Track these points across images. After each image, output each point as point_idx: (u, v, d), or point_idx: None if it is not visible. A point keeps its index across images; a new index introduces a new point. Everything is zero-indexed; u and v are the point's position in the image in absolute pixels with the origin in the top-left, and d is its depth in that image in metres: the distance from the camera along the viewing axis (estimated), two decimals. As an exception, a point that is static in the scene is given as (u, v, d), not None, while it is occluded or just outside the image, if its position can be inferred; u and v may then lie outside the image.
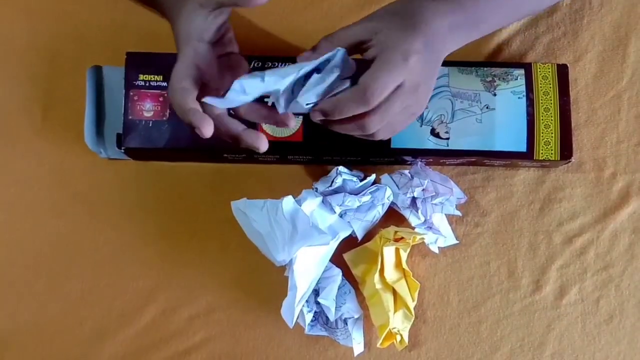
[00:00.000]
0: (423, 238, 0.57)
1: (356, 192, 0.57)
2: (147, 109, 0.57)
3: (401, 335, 0.56)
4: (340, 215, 0.57)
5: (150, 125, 0.56)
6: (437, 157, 0.58)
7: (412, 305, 0.56)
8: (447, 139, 0.58)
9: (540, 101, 0.58)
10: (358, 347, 0.57)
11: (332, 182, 0.56)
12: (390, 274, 0.56)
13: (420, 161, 0.60)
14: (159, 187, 0.61)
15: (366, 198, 0.57)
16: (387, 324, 0.55)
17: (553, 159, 0.58)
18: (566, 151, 0.58)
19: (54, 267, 0.59)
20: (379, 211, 0.58)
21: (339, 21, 0.60)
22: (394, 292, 0.57)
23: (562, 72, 0.59)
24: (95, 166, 0.60)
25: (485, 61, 0.62)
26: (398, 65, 0.46)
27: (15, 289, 0.59)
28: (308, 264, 0.54)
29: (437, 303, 0.59)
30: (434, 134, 0.58)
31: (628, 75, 0.63)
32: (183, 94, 0.46)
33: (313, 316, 0.57)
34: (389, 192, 0.57)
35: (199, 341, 0.59)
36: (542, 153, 0.58)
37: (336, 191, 0.57)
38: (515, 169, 0.61)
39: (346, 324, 0.57)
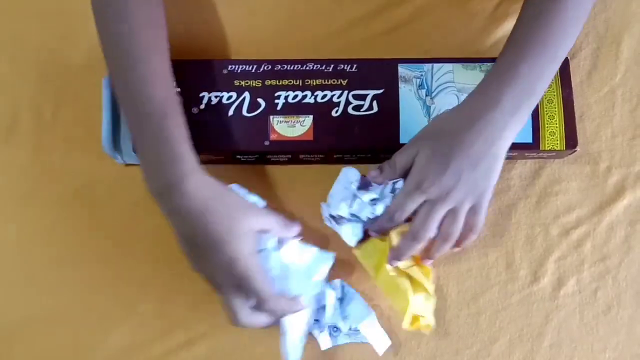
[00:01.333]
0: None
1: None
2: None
3: (425, 318, 0.57)
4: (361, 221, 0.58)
5: None
6: None
7: (430, 287, 0.57)
8: None
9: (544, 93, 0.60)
10: (380, 345, 0.58)
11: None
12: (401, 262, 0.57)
13: None
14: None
15: (373, 195, 0.56)
16: (408, 304, 0.56)
17: (559, 148, 0.59)
18: (571, 140, 0.59)
19: (63, 259, 0.60)
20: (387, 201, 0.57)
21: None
22: (410, 278, 0.57)
23: (564, 65, 0.60)
24: (102, 161, 0.61)
25: (488, 57, 0.63)
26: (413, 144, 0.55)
27: (25, 280, 0.60)
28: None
29: (436, 294, 0.60)
30: None
31: (621, 72, 0.65)
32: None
33: (329, 330, 0.58)
34: (399, 184, 0.56)
35: (202, 331, 0.59)
36: (547, 143, 0.59)
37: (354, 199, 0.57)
38: (512, 162, 0.63)
39: (358, 331, 0.58)
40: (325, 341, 0.57)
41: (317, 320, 0.57)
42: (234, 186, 0.54)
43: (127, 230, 0.61)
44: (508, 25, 0.65)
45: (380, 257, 0.58)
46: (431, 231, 0.54)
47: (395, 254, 0.55)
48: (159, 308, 0.60)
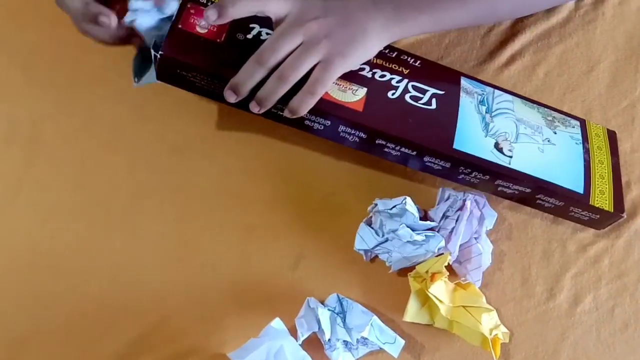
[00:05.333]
0: (449, 259, 0.57)
1: (412, 228, 0.56)
2: (202, 25, 0.53)
3: (499, 329, 0.56)
4: (386, 240, 0.58)
5: (201, 40, 0.52)
6: (497, 173, 0.55)
7: (485, 302, 0.56)
8: (510, 157, 0.55)
9: (595, 154, 0.58)
10: (394, 347, 0.56)
11: (394, 206, 0.56)
12: (451, 300, 0.56)
13: (482, 197, 0.59)
14: (173, 192, 0.62)
15: (419, 237, 0.56)
16: (484, 337, 0.55)
17: (607, 209, 0.56)
18: (619, 205, 0.57)
19: (73, 269, 0.60)
20: (422, 256, 0.57)
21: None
22: (465, 307, 0.56)
23: (612, 137, 0.60)
24: (113, 172, 0.61)
25: (547, 105, 0.61)
26: None
27: (36, 290, 0.60)
28: None
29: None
30: (498, 148, 0.56)
31: (641, 85, 0.64)
32: None
33: (345, 346, 0.57)
34: (442, 243, 0.56)
35: (208, 342, 0.59)
36: (597, 200, 0.56)
37: (392, 216, 0.57)
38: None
39: (366, 340, 0.57)
40: (343, 358, 0.57)
41: (329, 341, 0.56)
42: None
43: (141, 239, 0.61)
44: (517, 41, 0.65)
45: (430, 308, 0.58)
46: (299, 72, 0.50)
47: (262, 96, 0.51)
48: (168, 317, 0.59)
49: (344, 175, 0.62)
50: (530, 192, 0.56)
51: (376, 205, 0.57)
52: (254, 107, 0.52)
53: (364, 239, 0.58)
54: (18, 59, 0.64)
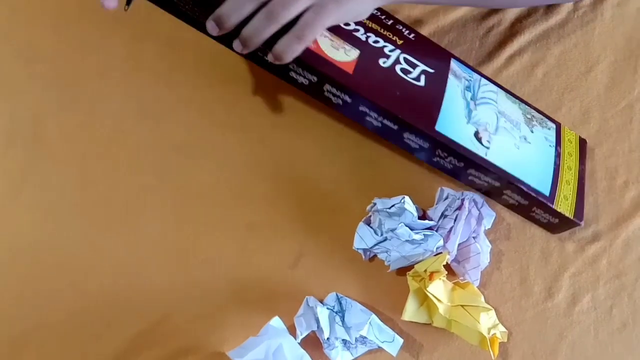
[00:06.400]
0: (448, 258, 0.57)
1: (411, 227, 0.57)
2: None
3: (498, 328, 0.56)
4: (385, 239, 0.58)
5: None
6: (472, 162, 0.55)
7: (483, 302, 0.56)
8: (488, 148, 0.56)
9: (565, 159, 0.59)
10: (392, 346, 0.57)
11: (393, 205, 0.56)
12: (450, 300, 0.56)
13: (481, 197, 0.59)
14: (174, 190, 0.62)
15: (418, 237, 0.56)
16: (483, 336, 0.55)
17: (568, 214, 0.57)
18: (579, 213, 0.58)
19: (76, 266, 0.60)
20: (421, 255, 0.57)
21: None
22: (463, 306, 0.57)
23: (582, 145, 0.61)
24: (115, 170, 0.62)
25: (527, 102, 0.62)
26: None
27: (37, 286, 0.60)
28: None
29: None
30: (477, 137, 0.56)
31: (640, 86, 0.64)
32: None
33: (343, 344, 0.57)
34: (440, 243, 0.57)
35: (208, 341, 0.59)
36: (560, 204, 0.57)
37: (391, 215, 0.57)
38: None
39: (365, 339, 0.57)
40: (342, 357, 0.57)
41: (328, 339, 0.56)
42: None
43: (143, 237, 0.61)
44: (516, 41, 0.65)
45: (429, 307, 0.58)
46: (290, 11, 0.46)
47: (246, 35, 0.47)
48: (170, 315, 0.60)
49: (344, 174, 0.62)
50: (499, 186, 0.57)
51: (375, 204, 0.57)
52: (237, 46, 0.48)
53: (362, 238, 0.58)
54: (20, 56, 0.64)
